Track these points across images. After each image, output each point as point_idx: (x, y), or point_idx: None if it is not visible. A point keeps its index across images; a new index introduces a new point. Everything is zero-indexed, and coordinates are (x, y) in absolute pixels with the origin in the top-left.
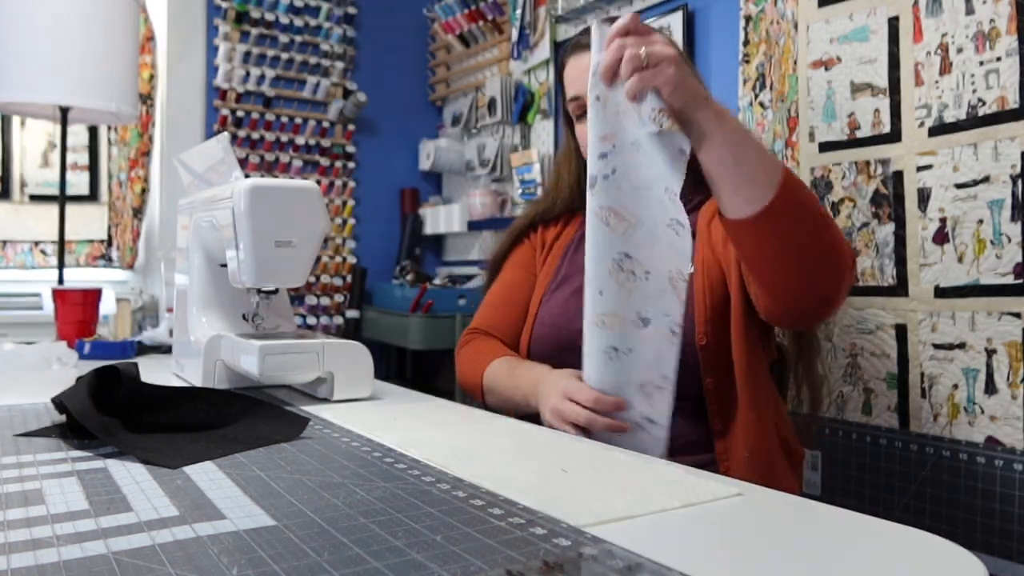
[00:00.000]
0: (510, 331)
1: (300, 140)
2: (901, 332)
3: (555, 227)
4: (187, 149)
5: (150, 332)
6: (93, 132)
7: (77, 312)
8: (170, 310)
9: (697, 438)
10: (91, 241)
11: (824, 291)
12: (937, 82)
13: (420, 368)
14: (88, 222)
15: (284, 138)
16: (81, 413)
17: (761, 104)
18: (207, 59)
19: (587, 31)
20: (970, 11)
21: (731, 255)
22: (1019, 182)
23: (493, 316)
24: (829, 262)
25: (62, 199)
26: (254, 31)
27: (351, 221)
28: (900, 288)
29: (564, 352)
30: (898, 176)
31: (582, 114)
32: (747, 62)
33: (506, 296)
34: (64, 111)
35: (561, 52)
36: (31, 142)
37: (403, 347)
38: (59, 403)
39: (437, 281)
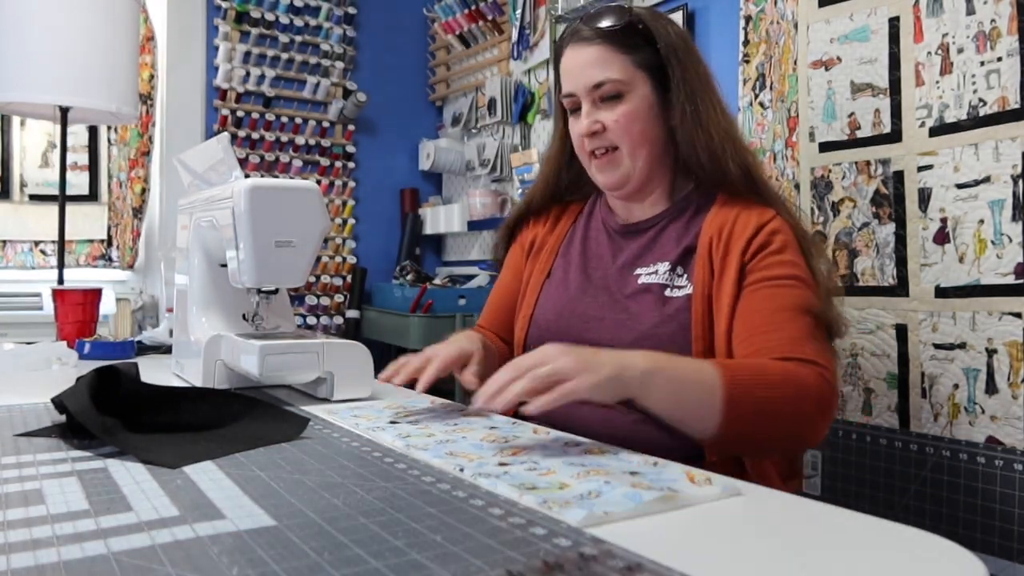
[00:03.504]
0: (503, 331)
1: (300, 140)
2: (901, 332)
3: (544, 223)
4: (187, 149)
5: (150, 332)
6: (93, 132)
7: (77, 312)
8: (170, 310)
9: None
10: (91, 241)
11: (797, 447)
12: (938, 82)
13: None
14: (88, 222)
15: (284, 138)
16: (81, 413)
17: (761, 104)
18: (207, 59)
19: (582, 18)
20: (971, 11)
21: (724, 301)
22: (1020, 182)
23: (494, 317)
24: (797, 437)
25: (62, 199)
26: (254, 31)
27: (351, 221)
28: (900, 288)
29: None
30: (899, 176)
31: (575, 109)
32: (747, 62)
33: (500, 301)
34: (64, 111)
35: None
36: (31, 142)
37: (403, 347)
38: (59, 403)
39: (437, 281)
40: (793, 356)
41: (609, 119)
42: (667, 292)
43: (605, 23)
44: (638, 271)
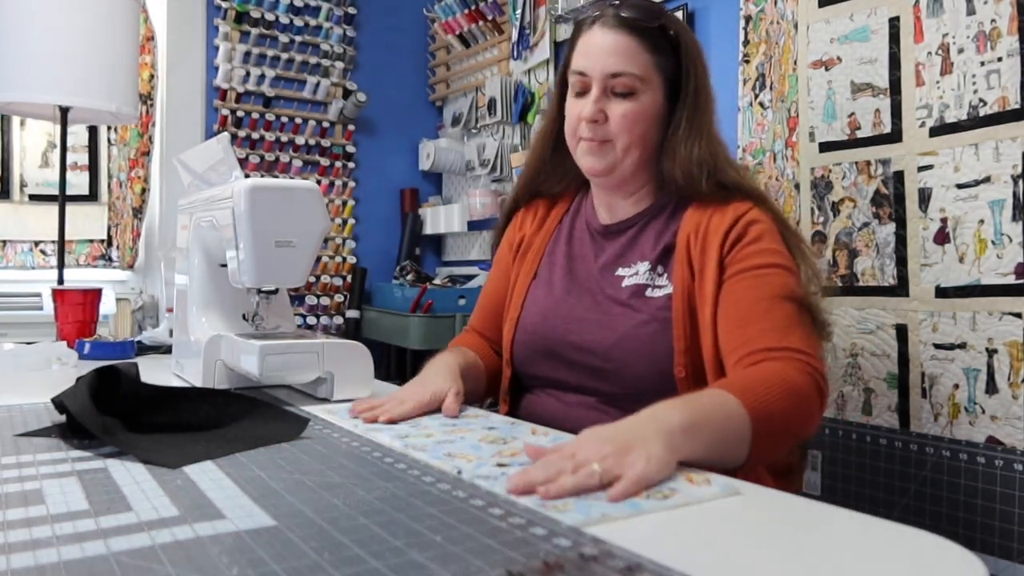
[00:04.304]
0: (495, 334)
1: (300, 140)
2: (902, 332)
3: (533, 221)
4: (187, 149)
5: (150, 332)
6: (93, 132)
7: (77, 312)
8: (170, 310)
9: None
10: (91, 241)
11: (799, 444)
12: (938, 82)
13: (420, 368)
14: (88, 222)
15: (284, 138)
16: (81, 413)
17: (761, 104)
18: (207, 59)
19: (614, 3)
20: (971, 11)
21: (707, 297)
22: (1020, 182)
23: (484, 318)
24: (800, 437)
25: (62, 199)
26: (254, 31)
27: (351, 221)
28: (901, 288)
29: (543, 357)
30: (899, 176)
31: (582, 91)
32: (747, 62)
33: (490, 302)
34: (64, 111)
35: (568, 27)
36: (31, 142)
37: (403, 347)
38: (59, 403)
39: (437, 281)
40: (779, 347)
41: (615, 112)
42: (648, 292)
43: (639, 16)
44: (619, 271)
